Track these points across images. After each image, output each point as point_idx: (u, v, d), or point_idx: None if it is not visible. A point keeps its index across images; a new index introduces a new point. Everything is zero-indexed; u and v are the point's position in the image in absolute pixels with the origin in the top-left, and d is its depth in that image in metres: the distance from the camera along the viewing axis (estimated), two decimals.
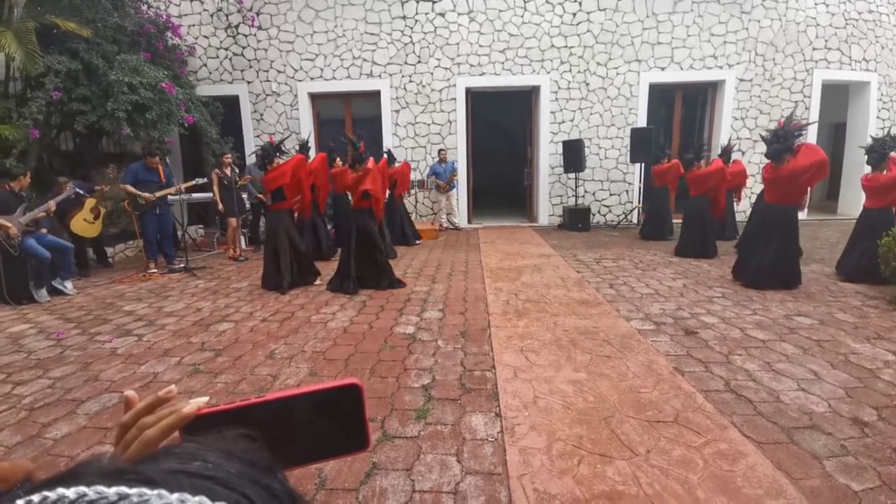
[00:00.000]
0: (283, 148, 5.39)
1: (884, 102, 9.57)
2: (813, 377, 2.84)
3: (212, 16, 9.02)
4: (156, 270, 6.09)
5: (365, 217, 5.05)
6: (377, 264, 5.11)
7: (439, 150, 9.10)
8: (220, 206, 6.85)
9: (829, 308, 4.13)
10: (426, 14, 9.03)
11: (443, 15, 9.03)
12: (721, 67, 9.17)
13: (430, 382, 2.87)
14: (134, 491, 0.23)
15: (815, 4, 9.12)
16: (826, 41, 9.19)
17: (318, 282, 5.35)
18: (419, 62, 9.17)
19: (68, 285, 5.22)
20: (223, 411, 0.41)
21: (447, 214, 9.48)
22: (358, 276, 5.01)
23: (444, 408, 2.57)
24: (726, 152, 7.56)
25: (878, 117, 9.50)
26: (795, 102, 9.29)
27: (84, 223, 5.99)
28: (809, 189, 4.84)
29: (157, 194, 6.05)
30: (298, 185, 5.35)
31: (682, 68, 9.18)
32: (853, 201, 9.91)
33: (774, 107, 9.27)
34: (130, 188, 5.94)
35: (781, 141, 4.67)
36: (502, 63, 9.19)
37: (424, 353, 3.31)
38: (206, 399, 0.43)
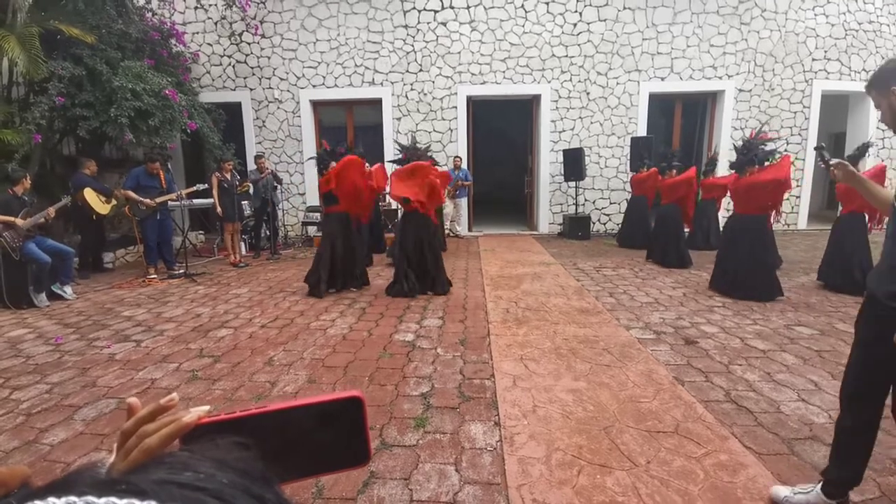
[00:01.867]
0: (335, 154, 5.30)
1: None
2: (813, 388, 2.83)
3: (216, 24, 9.09)
4: (155, 276, 6.09)
5: (419, 221, 5.10)
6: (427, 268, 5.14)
7: (454, 157, 9.12)
8: (219, 210, 6.87)
9: (829, 318, 4.12)
10: (428, 23, 9.11)
11: (444, 24, 9.11)
12: (720, 78, 9.23)
13: (429, 391, 2.86)
14: (124, 502, 0.23)
15: (815, 15, 9.18)
16: (826, 52, 9.26)
17: (355, 288, 5.33)
18: (421, 70, 9.24)
19: (68, 290, 5.22)
20: (224, 421, 0.41)
21: (451, 221, 9.48)
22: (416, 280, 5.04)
23: (443, 416, 2.55)
24: (711, 162, 7.57)
25: (878, 127, 9.53)
26: (794, 113, 9.34)
27: (97, 199, 6.18)
28: (780, 202, 4.80)
29: (158, 200, 6.08)
30: (354, 188, 5.13)
31: (681, 78, 9.24)
32: None
33: (774, 117, 9.31)
34: (131, 194, 5.97)
35: (744, 153, 4.76)
36: (503, 72, 9.25)
37: (423, 361, 3.30)
38: (207, 408, 0.42)
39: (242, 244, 7.73)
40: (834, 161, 1.93)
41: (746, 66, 9.21)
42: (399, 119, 9.40)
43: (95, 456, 2.24)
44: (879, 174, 4.89)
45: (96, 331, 4.08)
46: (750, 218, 4.81)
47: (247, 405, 2.49)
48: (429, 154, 5.09)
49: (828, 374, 3.01)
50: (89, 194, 6.07)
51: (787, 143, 9.38)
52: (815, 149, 2.15)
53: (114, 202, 6.39)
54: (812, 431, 2.36)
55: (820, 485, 1.81)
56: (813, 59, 9.26)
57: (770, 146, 4.89)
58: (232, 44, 9.15)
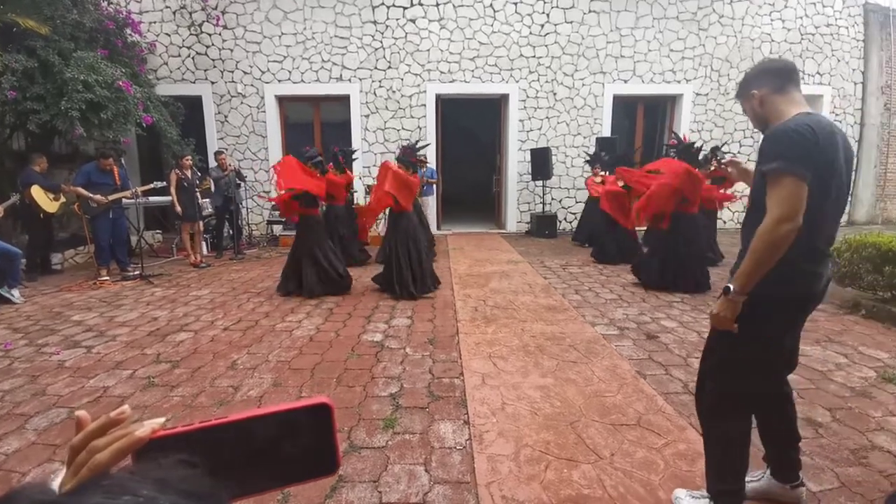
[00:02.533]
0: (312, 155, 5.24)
1: (836, 115, 9.98)
2: None
3: (174, 13, 8.73)
4: (108, 278, 5.79)
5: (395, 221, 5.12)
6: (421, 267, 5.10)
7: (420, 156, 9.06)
8: (178, 209, 6.60)
9: None
10: (397, 20, 9.03)
11: (413, 21, 9.05)
12: (679, 82, 9.56)
13: (398, 391, 2.84)
14: None
15: (772, 21, 9.57)
16: (780, 56, 9.71)
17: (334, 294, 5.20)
18: (389, 67, 9.16)
19: (15, 293, 4.91)
20: (181, 433, 0.39)
21: None
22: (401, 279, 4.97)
23: (413, 416, 2.54)
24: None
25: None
26: (747, 117, 9.77)
27: (45, 196, 5.88)
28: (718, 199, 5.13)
29: (111, 197, 5.79)
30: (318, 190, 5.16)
31: (643, 81, 9.52)
32: None
33: (728, 120, 9.73)
34: (82, 190, 5.66)
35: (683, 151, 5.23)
36: (472, 71, 9.28)
37: (392, 361, 3.28)
38: (162, 420, 0.40)
39: (204, 244, 7.46)
40: (725, 160, 2.07)
41: (704, 70, 9.58)
42: (367, 116, 9.30)
43: (49, 467, 2.13)
44: None
45: (45, 336, 3.86)
46: (674, 213, 5.07)
47: (208, 412, 2.40)
48: (419, 154, 5.16)
49: None
50: (37, 192, 5.74)
51: (741, 146, 9.82)
52: (712, 149, 2.47)
53: (62, 200, 6.06)
54: None
55: (769, 470, 1.87)
56: None
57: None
58: (192, 34, 8.81)
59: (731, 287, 1.53)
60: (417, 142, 5.29)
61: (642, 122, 10.13)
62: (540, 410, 2.58)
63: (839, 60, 9.86)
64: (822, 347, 3.48)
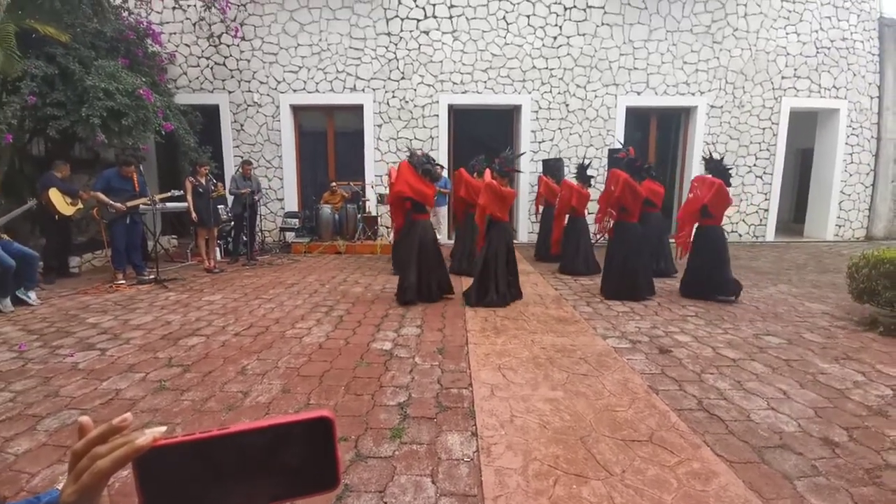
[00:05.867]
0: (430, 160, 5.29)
1: (853, 129, 9.91)
2: (782, 396, 2.90)
3: (194, 25, 8.95)
4: (124, 282, 5.88)
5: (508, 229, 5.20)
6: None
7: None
8: (193, 216, 6.70)
9: (797, 328, 4.25)
10: (411, 31, 9.16)
11: (427, 33, 9.17)
12: (693, 94, 9.52)
13: (406, 400, 2.82)
14: None
15: (787, 34, 9.52)
16: (795, 70, 9.62)
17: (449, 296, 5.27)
18: (403, 78, 9.26)
19: (32, 295, 5.00)
20: (182, 443, 0.39)
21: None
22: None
23: (420, 426, 2.52)
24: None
25: (846, 143, 9.90)
26: (763, 129, 9.69)
27: (62, 199, 6.02)
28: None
29: (129, 204, 5.89)
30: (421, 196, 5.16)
31: (656, 93, 9.50)
32: (819, 224, 10.30)
33: (743, 133, 9.64)
34: (102, 196, 5.77)
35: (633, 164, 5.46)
36: (485, 82, 9.35)
37: (401, 371, 3.27)
38: (163, 429, 0.41)
39: (218, 249, 7.55)
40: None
41: (718, 83, 9.53)
42: (380, 126, 9.40)
43: (58, 468, 2.14)
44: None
45: (60, 338, 3.92)
46: (618, 223, 5.33)
47: (217, 416, 2.41)
48: (510, 156, 5.23)
49: (796, 382, 3.09)
50: (54, 194, 5.88)
51: (757, 159, 9.71)
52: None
53: (79, 206, 6.18)
54: (782, 440, 2.41)
55: None
56: (782, 77, 9.63)
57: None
58: (210, 45, 9.02)
59: None
60: (509, 149, 5.36)
61: (655, 134, 10.08)
62: (549, 424, 2.54)
63: (855, 74, 9.75)
64: (841, 365, 3.39)
